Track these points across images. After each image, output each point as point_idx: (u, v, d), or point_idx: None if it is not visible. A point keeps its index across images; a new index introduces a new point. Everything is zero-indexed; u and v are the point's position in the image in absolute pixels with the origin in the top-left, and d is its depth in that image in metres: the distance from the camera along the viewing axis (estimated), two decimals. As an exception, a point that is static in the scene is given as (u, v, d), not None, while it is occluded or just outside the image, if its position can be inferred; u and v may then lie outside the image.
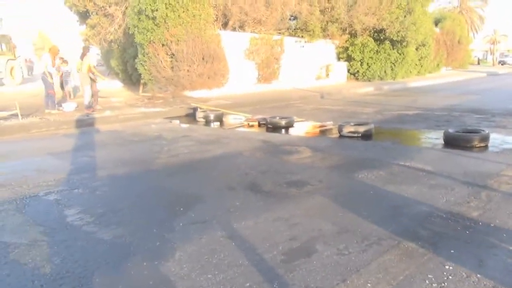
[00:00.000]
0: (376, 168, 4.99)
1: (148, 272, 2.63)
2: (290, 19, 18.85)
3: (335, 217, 3.44)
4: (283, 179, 4.68)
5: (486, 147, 6.05)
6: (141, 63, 14.92)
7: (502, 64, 54.63)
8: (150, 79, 14.91)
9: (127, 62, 19.65)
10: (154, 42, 14.10)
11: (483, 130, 6.38)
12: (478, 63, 54.09)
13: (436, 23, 32.14)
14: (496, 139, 6.46)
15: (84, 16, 18.84)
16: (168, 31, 13.84)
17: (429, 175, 4.63)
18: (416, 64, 25.29)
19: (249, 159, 5.83)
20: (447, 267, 2.55)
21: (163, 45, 14.15)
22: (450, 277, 2.43)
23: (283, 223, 3.35)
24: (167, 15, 13.69)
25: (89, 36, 18.60)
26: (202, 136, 7.86)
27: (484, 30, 55.23)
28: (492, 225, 3.17)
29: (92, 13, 17.58)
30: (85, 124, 9.75)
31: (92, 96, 11.42)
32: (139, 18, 14.24)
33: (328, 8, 19.09)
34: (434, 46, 28.00)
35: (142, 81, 16.01)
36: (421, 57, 25.65)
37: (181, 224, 3.40)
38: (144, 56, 14.62)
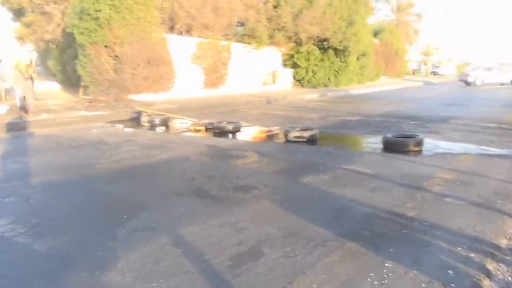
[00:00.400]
0: (321, 172, 5.13)
1: (89, 284, 2.49)
2: (237, 25, 19.00)
3: (282, 221, 3.47)
4: (230, 184, 4.65)
5: (420, 151, 6.44)
6: (81, 65, 14.25)
7: (434, 74, 58.80)
8: (91, 82, 14.28)
9: (65, 63, 18.68)
10: (96, 44, 13.54)
11: (418, 135, 6.79)
12: (413, 73, 57.77)
13: (375, 34, 33.97)
14: (429, 143, 6.90)
15: (18, 13, 17.65)
16: (111, 32, 13.36)
17: (370, 178, 4.84)
18: (357, 73, 26.51)
19: (196, 164, 5.75)
20: (387, 265, 2.66)
21: (106, 46, 13.64)
22: (389, 274, 2.54)
23: (230, 228, 3.33)
24: (110, 16, 13.23)
25: (24, 35, 17.44)
26: (146, 140, 7.64)
27: (418, 42, 59.07)
28: (426, 223, 3.36)
29: (27, 11, 16.51)
30: (17, 128, 9.12)
31: (25, 98, 10.66)
32: (81, 18, 13.62)
33: (274, 16, 19.47)
34: (374, 56, 29.53)
35: (82, 84, 15.29)
36: (362, 66, 26.93)
37: (124, 231, 3.26)
38: (85, 57, 13.98)
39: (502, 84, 29.21)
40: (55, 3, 15.92)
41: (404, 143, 6.47)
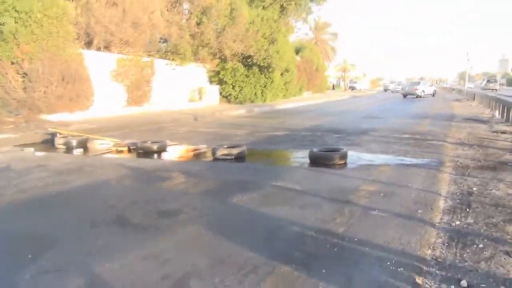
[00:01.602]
0: (250, 191, 5.00)
1: None
2: (160, 41, 18.55)
3: (210, 248, 3.26)
4: (154, 209, 4.33)
5: (345, 163, 6.63)
6: (-16, 83, 12.81)
7: (352, 89, 62.71)
8: (-4, 102, 12.87)
9: (-34, 82, 16.75)
10: (1, 60, 12.27)
11: (342, 148, 7.00)
12: (333, 88, 61.13)
13: (297, 52, 35.39)
14: (353, 156, 7.13)
15: None
16: (19, 47, 12.22)
17: (299, 194, 4.81)
18: (282, 88, 27.25)
19: (117, 189, 5.32)
20: (320, 287, 2.57)
21: (12, 63, 12.42)
22: (323, 298, 2.45)
23: (154, 260, 3.03)
24: (17, 30, 12.10)
25: None
26: (61, 165, 6.96)
27: (336, 59, 62.83)
28: (356, 239, 3.37)
29: None
30: None
31: None
32: (-20, 32, 12.28)
33: (198, 33, 19.36)
34: (297, 72, 30.68)
35: (-14, 104, 13.74)
36: (286, 82, 27.77)
37: (27, 276, 2.81)
38: (-12, 75, 12.59)
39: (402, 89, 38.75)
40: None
41: (330, 157, 6.62)
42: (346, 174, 5.91)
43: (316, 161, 6.70)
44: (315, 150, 6.95)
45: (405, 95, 33.68)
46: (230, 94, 23.01)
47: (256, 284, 2.63)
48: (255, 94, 23.48)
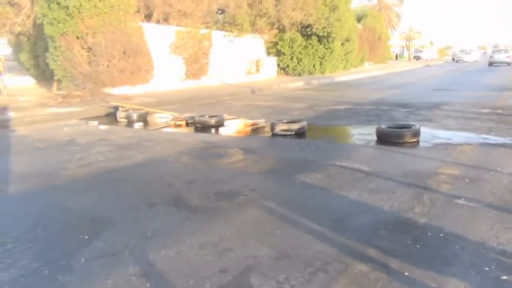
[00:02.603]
0: (313, 171, 4.62)
1: None
2: (217, 12, 18.21)
3: (272, 237, 2.95)
4: (212, 189, 4.10)
5: (417, 142, 5.98)
6: (53, 58, 13.37)
7: (417, 59, 58.81)
8: (64, 76, 13.42)
9: (38, 57, 17.65)
10: (67, 34, 12.67)
11: (414, 125, 6.33)
12: (396, 58, 57.69)
13: (358, 19, 33.45)
14: (426, 133, 6.44)
15: (-17, 4, 16.53)
16: (83, 22, 12.51)
17: (368, 177, 4.34)
18: (342, 59, 26.02)
19: (174, 166, 5.17)
20: (404, 297, 2.17)
21: (78, 37, 12.79)
22: (410, 311, 2.05)
23: (212, 249, 2.78)
24: (81, 5, 12.35)
25: (-9, 28, 16.36)
26: (122, 139, 7.01)
27: (400, 27, 58.96)
28: (441, 235, 2.89)
29: (-6, 2, 15.43)
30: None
31: None
32: (49, 7, 12.70)
33: (256, 2, 18.74)
34: (358, 42, 29.05)
35: (56, 78, 14.41)
36: (347, 52, 26.44)
37: (82, 259, 2.69)
38: (56, 50, 13.10)
39: (476, 60, 45.19)
40: (22, -8, 14.89)
41: (400, 134, 6.00)
42: (421, 154, 5.29)
43: (384, 138, 6.12)
44: (383, 126, 6.34)
45: (491, 63, 34.72)
46: (288, 66, 22.35)
47: (326, 285, 2.28)
48: (314, 65, 22.60)
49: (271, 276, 2.41)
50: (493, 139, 6.02)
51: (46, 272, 2.56)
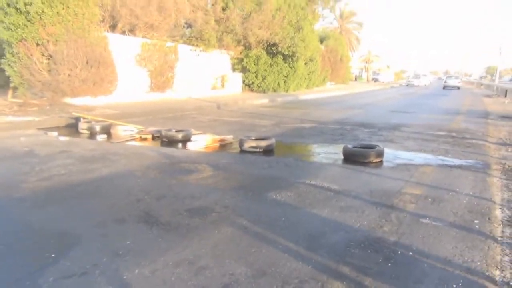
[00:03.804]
0: (283, 189, 4.67)
1: None
2: (184, 26, 18.20)
3: (248, 255, 2.94)
4: (183, 205, 4.05)
5: (381, 162, 6.22)
6: (9, 64, 12.75)
7: (375, 81, 61.38)
8: (21, 83, 12.82)
9: (-8, 62, 16.82)
10: (26, 41, 12.16)
11: (378, 145, 6.57)
12: (355, 79, 59.90)
13: (321, 41, 34.57)
14: (388, 153, 6.71)
15: None
16: (44, 29, 12.07)
17: (337, 195, 4.45)
18: (305, 78, 26.68)
19: (142, 180, 5.05)
20: (381, 314, 2.23)
21: (38, 44, 12.30)
22: (387, 329, 2.10)
23: (187, 267, 2.74)
24: (43, 11, 11.92)
25: None
26: (85, 151, 6.77)
27: (360, 50, 61.47)
28: (410, 253, 3.00)
29: None
30: None
31: None
32: (6, 12, 12.15)
33: (223, 19, 18.94)
34: (320, 62, 29.96)
35: (11, 85, 13.73)
36: (310, 72, 27.16)
37: (51, 279, 2.56)
38: (13, 56, 12.52)
39: (425, 85, 51.38)
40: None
41: (366, 154, 6.21)
42: (385, 174, 5.50)
43: (350, 158, 6.31)
44: (349, 146, 6.54)
45: (445, 87, 41.73)
46: (253, 83, 22.61)
47: (305, 305, 2.31)
48: (278, 83, 23.02)
49: (250, 295, 2.40)
50: (450, 160, 6.37)
51: (11, 293, 2.41)
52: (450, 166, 5.98)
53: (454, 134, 9.22)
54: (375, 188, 4.74)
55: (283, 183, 4.96)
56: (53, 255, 2.90)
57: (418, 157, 6.61)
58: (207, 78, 20.31)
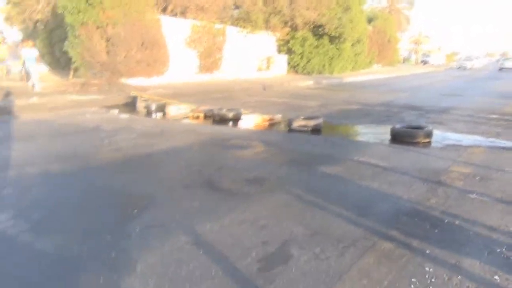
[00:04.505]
0: (333, 164, 4.94)
1: (105, 290, 2.26)
2: (233, 8, 18.50)
3: (304, 218, 3.27)
4: (240, 176, 4.43)
5: (429, 142, 6.29)
6: (72, 46, 13.72)
7: (424, 64, 58.87)
8: (82, 64, 13.78)
9: (54, 44, 18.06)
10: (87, 24, 13.01)
11: (427, 126, 6.63)
12: (403, 62, 57.75)
13: (369, 21, 33.63)
14: (437, 135, 6.75)
15: (5, -9, 16.91)
16: (104, 12, 12.84)
17: (386, 171, 4.66)
18: (351, 60, 26.28)
19: (200, 154, 5.50)
20: (427, 269, 2.49)
21: (98, 27, 13.13)
22: (432, 280, 2.37)
23: (251, 225, 3.12)
24: (102, -5, 12.68)
25: (12, 15, 16.73)
26: (145, 127, 7.35)
27: (409, 31, 59.01)
28: (456, 222, 3.21)
29: (15, -11, 15.81)
30: (4, 111, 8.70)
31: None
32: (70, -3, 13.02)
33: (271, 0, 19.01)
34: (368, 43, 29.30)
35: (73, 66, 14.77)
36: (356, 54, 26.70)
37: (137, 229, 3.03)
38: (75, 38, 13.44)
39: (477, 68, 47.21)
40: (44, -20, 15.23)
41: (413, 134, 6.32)
42: (433, 154, 5.61)
43: (398, 138, 6.43)
44: (397, 126, 6.65)
45: (500, 69, 40.59)
46: (298, 64, 22.65)
47: (358, 258, 2.61)
48: (323, 65, 22.90)
49: (308, 249, 2.74)
50: (501, 142, 6.32)
51: (108, 237, 2.90)
52: (501, 148, 5.97)
53: (507, 117, 8.98)
54: (423, 166, 4.89)
55: (332, 159, 5.22)
56: (135, 211, 3.38)
57: (468, 139, 6.60)
58: (253, 59, 20.61)
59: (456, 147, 5.99)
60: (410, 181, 4.27)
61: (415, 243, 2.85)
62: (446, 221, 3.23)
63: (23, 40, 17.01)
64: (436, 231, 3.05)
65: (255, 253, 2.67)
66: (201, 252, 2.69)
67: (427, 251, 2.72)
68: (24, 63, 12.50)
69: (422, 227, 3.11)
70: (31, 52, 12.37)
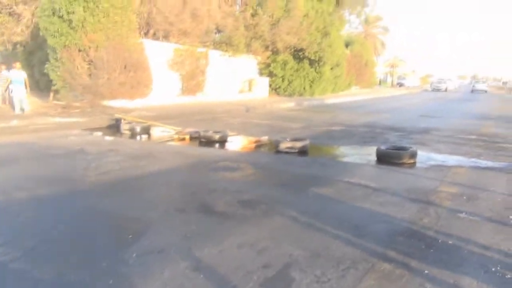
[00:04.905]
0: (323, 185, 4.99)
1: (107, 319, 2.20)
2: (215, 32, 18.77)
3: (302, 240, 3.28)
4: (233, 198, 4.42)
5: (414, 163, 6.44)
6: (53, 69, 13.58)
7: (399, 86, 60.64)
8: (63, 86, 13.61)
9: (33, 67, 17.84)
10: (69, 47, 12.93)
11: (411, 147, 6.81)
12: (380, 84, 59.37)
13: (346, 45, 34.63)
14: (421, 155, 6.92)
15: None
16: (86, 36, 12.81)
17: (376, 192, 4.74)
18: (331, 83, 26.85)
19: (191, 176, 5.48)
20: (428, 289, 2.53)
21: (80, 50, 13.06)
22: (435, 300, 2.41)
23: (250, 249, 3.10)
24: (85, 19, 12.68)
25: (-10, 37, 16.49)
26: (131, 150, 7.27)
27: (385, 55, 61.02)
28: (450, 242, 3.28)
29: (-5, 11, 15.63)
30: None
31: None
32: (51, 21, 12.96)
33: (252, 25, 19.41)
34: (346, 66, 30.06)
35: (53, 88, 14.57)
36: (336, 76, 27.33)
37: (134, 255, 2.97)
38: (57, 61, 13.32)
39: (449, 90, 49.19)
40: (25, 3, 15.17)
41: (399, 155, 6.46)
42: (419, 174, 5.75)
43: (384, 159, 6.57)
44: (382, 147, 6.80)
45: (473, 91, 44.02)
46: (279, 87, 22.99)
47: (359, 280, 2.63)
48: (304, 87, 23.31)
49: (309, 272, 2.74)
50: (483, 163, 6.54)
51: (104, 264, 2.82)
52: (483, 168, 6.17)
53: (485, 138, 9.31)
54: (411, 186, 5.00)
55: (322, 180, 5.28)
56: (130, 236, 3.32)
57: (451, 159, 6.80)
58: (235, 82, 20.83)
59: (440, 168, 6.16)
60: (401, 202, 4.35)
61: (413, 263, 2.89)
62: (440, 241, 3.29)
63: (0, 63, 16.72)
64: (431, 250, 3.11)
65: (256, 277, 2.66)
66: (202, 277, 2.66)
67: (426, 271, 2.76)
68: (8, 85, 12.28)
69: (418, 247, 3.16)
70: (19, 75, 12.13)
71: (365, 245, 3.18)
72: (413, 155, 6.51)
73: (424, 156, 6.95)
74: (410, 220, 3.78)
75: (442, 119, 13.86)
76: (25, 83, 12.06)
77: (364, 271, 2.76)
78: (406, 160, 6.43)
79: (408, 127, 11.16)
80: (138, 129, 9.47)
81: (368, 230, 3.51)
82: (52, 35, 13.02)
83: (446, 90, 48.66)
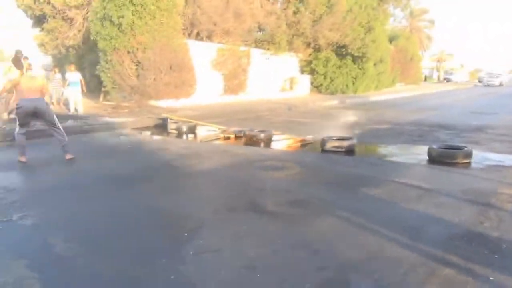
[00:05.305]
0: (373, 186, 4.89)
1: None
2: (257, 31, 18.84)
3: (356, 241, 3.23)
4: (283, 198, 4.43)
5: (469, 163, 6.16)
6: (103, 71, 14.17)
7: (447, 81, 58.11)
8: (113, 87, 14.19)
9: (84, 69, 18.66)
10: (118, 49, 13.45)
11: (465, 146, 6.51)
12: (425, 80, 57.17)
13: (390, 40, 33.58)
14: (477, 155, 6.59)
15: (38, 20, 17.68)
16: (134, 38, 13.27)
17: (429, 193, 4.58)
18: (374, 79, 26.17)
19: (238, 175, 5.53)
20: (495, 297, 2.42)
21: (128, 52, 13.54)
22: (503, 309, 2.29)
23: (304, 249, 3.10)
24: (133, 22, 13.13)
25: (45, 41, 17.49)
26: (179, 149, 7.46)
27: (431, 49, 58.64)
28: (515, 247, 3.11)
29: (49, 17, 16.53)
30: (45, 134, 8.98)
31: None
32: (102, 24, 13.54)
33: (294, 22, 19.30)
34: (390, 62, 29.18)
35: (103, 89, 15.23)
36: (379, 73, 26.59)
37: (191, 253, 3.05)
38: (107, 63, 13.90)
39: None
40: (77, 8, 15.92)
41: (452, 155, 6.20)
42: (476, 175, 5.48)
43: (436, 158, 6.31)
44: (434, 146, 6.54)
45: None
46: (321, 84, 22.72)
47: (421, 285, 2.56)
48: (347, 85, 22.88)
49: (367, 274, 2.70)
50: (545, 163, 6.14)
51: (164, 260, 2.92)
52: (546, 168, 5.79)
53: (546, 136, 8.74)
54: (467, 187, 4.78)
55: (371, 180, 5.17)
56: (185, 234, 3.41)
57: (509, 159, 6.44)
58: (276, 80, 20.81)
59: (498, 168, 5.85)
60: (457, 204, 4.18)
61: (476, 269, 2.77)
62: (505, 246, 3.13)
63: (54, 66, 17.67)
64: (496, 256, 2.96)
65: (313, 278, 2.65)
66: (258, 276, 2.69)
67: (491, 278, 2.64)
68: (65, 87, 12.97)
69: (480, 252, 3.02)
70: (75, 76, 12.79)
71: (422, 248, 3.08)
72: (468, 155, 6.22)
73: (480, 156, 6.62)
74: (469, 223, 3.62)
75: (495, 116, 13.15)
76: (80, 84, 12.65)
77: (424, 275, 2.68)
78: (460, 160, 6.15)
79: (458, 125, 10.68)
80: (184, 128, 9.70)
81: (424, 233, 3.40)
82: (103, 38, 13.60)
83: (501, 84, 45.06)
